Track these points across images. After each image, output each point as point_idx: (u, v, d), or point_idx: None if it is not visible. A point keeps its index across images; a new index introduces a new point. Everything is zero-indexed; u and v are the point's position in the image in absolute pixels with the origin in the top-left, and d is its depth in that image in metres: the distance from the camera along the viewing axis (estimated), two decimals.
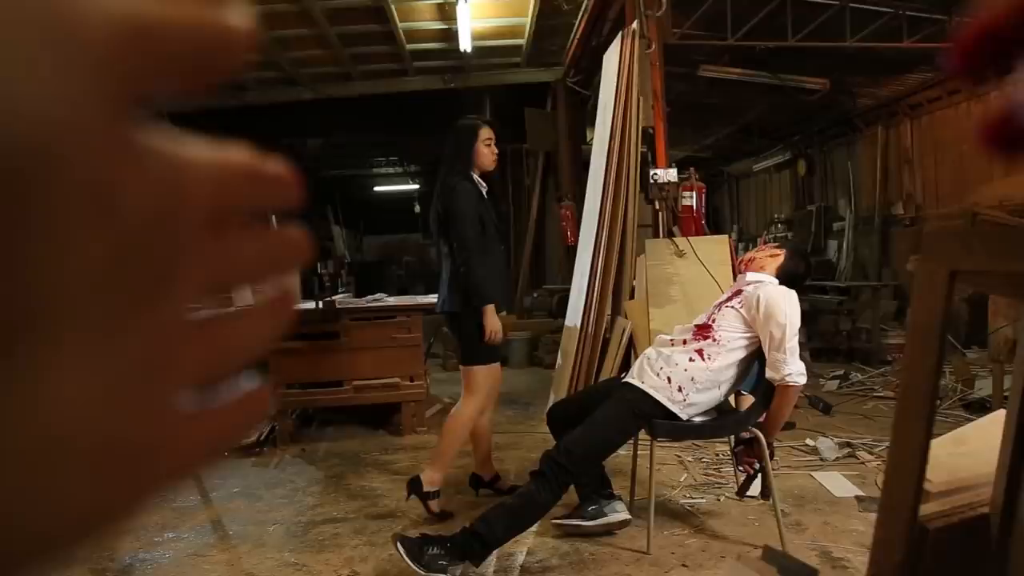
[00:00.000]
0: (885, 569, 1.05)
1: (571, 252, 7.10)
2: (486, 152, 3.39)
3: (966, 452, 1.77)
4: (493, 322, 3.26)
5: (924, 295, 1.02)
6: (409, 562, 2.47)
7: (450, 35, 7.76)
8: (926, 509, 1.30)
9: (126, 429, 0.18)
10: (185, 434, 0.20)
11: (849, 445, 4.18)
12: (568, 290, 5.92)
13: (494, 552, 2.66)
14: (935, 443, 2.10)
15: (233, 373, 0.22)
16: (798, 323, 2.78)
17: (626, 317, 4.71)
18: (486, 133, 3.40)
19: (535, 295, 9.44)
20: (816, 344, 7.49)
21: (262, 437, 4.79)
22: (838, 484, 3.58)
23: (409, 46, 8.15)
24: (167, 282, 0.19)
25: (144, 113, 0.18)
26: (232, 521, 3.46)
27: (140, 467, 0.19)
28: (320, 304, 4.89)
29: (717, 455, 4.05)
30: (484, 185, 3.43)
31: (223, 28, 0.19)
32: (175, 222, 0.19)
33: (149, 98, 0.18)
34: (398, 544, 2.51)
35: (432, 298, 6.26)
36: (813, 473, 3.78)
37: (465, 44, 7.63)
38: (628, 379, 2.87)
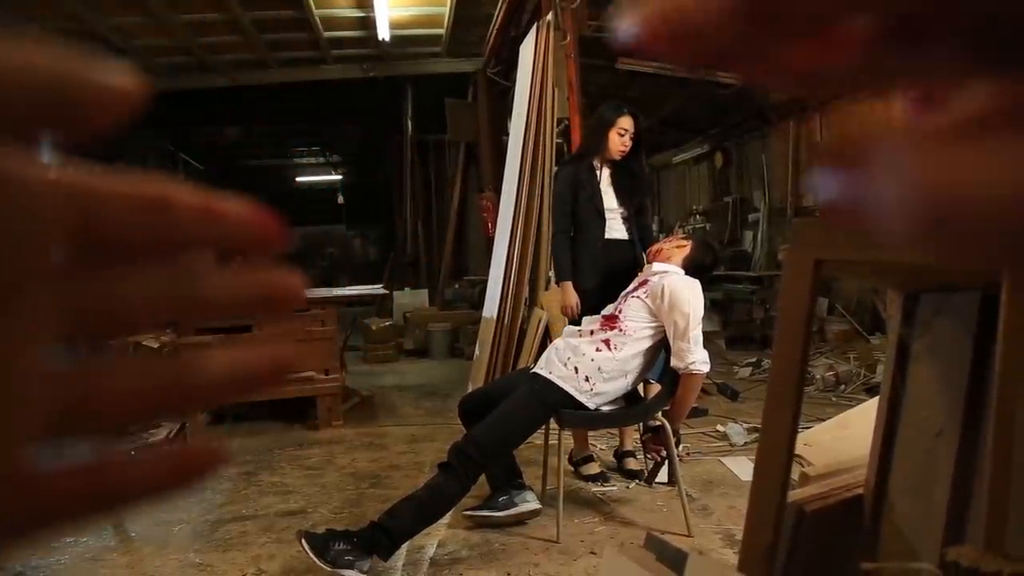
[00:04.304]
0: (755, 551, 1.08)
1: (492, 243, 7.11)
2: (615, 140, 3.48)
3: (848, 435, 1.84)
4: (566, 297, 3.52)
5: (791, 284, 1.05)
6: (314, 558, 2.43)
7: (368, 23, 7.65)
8: (805, 492, 1.34)
9: None
10: (38, 487, 0.18)
11: (758, 430, 4.29)
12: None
13: (403, 545, 2.64)
14: (821, 427, 2.18)
15: (112, 428, 0.20)
16: (701, 312, 2.84)
17: (542, 308, 4.74)
18: (624, 122, 3.48)
19: (456, 286, 9.42)
20: (731, 332, 7.68)
21: (171, 435, 4.65)
22: (745, 468, 3.67)
23: (326, 34, 8.00)
24: (12, 311, 0.17)
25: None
26: (135, 522, 3.34)
27: None
28: None
29: (632, 442, 4.11)
30: (600, 169, 3.57)
31: (101, 84, 0.19)
32: (25, 246, 0.17)
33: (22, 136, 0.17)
34: (302, 541, 2.46)
35: (350, 290, 6.19)
36: (722, 458, 3.88)
37: (383, 33, 7.53)
38: (536, 370, 2.89)
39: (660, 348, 2.92)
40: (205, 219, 0.21)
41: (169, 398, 0.21)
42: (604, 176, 3.57)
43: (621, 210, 3.59)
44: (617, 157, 3.52)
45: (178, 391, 0.21)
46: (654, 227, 12.48)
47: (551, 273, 4.79)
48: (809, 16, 0.15)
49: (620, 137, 3.48)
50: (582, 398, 2.79)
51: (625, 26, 0.17)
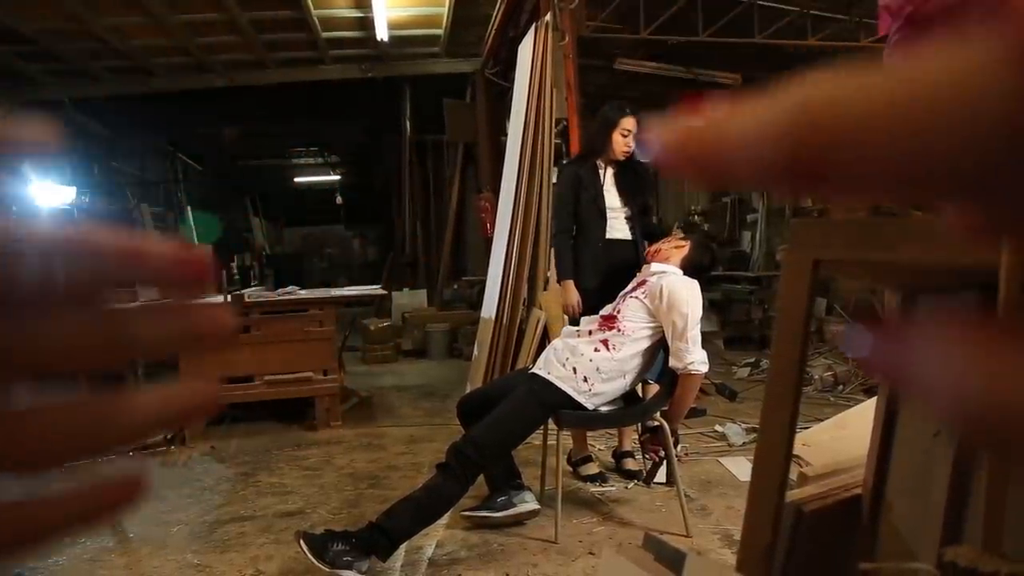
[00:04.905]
0: (754, 551, 1.08)
1: (490, 244, 7.10)
2: (619, 141, 3.49)
3: (846, 436, 1.84)
4: (567, 296, 3.56)
5: (790, 283, 1.05)
6: (312, 559, 2.43)
7: (367, 24, 7.65)
8: (803, 492, 1.34)
9: None
10: None
11: (756, 431, 4.29)
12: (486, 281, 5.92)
13: (402, 546, 2.64)
14: (820, 428, 2.18)
15: (57, 464, 0.20)
16: (700, 313, 2.84)
17: (541, 308, 4.73)
18: (627, 123, 3.48)
19: (455, 287, 9.41)
20: (729, 332, 7.68)
21: (170, 435, 4.65)
22: (743, 469, 3.68)
23: (325, 34, 8.00)
24: None
25: None
26: (134, 523, 3.34)
27: None
28: (226, 298, 4.76)
29: (631, 442, 4.11)
30: (604, 170, 3.58)
31: None
32: None
33: None
34: (301, 542, 2.46)
35: (348, 291, 6.18)
36: (721, 459, 3.88)
37: (382, 33, 7.53)
38: (535, 370, 2.89)
39: (658, 348, 2.93)
40: (127, 261, 0.21)
41: (93, 439, 0.21)
42: (608, 176, 3.58)
43: (624, 210, 3.60)
44: (621, 158, 3.52)
45: (102, 432, 0.21)
46: None
47: (550, 273, 4.80)
48: (852, 180, 0.15)
49: (623, 138, 3.48)
50: (580, 398, 2.79)
51: (656, 145, 0.18)
